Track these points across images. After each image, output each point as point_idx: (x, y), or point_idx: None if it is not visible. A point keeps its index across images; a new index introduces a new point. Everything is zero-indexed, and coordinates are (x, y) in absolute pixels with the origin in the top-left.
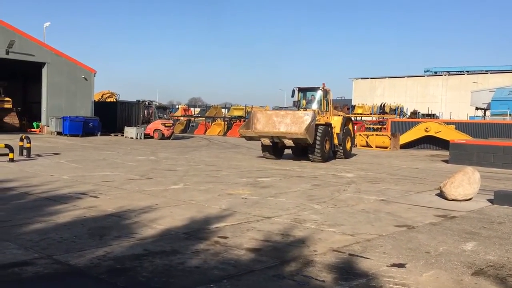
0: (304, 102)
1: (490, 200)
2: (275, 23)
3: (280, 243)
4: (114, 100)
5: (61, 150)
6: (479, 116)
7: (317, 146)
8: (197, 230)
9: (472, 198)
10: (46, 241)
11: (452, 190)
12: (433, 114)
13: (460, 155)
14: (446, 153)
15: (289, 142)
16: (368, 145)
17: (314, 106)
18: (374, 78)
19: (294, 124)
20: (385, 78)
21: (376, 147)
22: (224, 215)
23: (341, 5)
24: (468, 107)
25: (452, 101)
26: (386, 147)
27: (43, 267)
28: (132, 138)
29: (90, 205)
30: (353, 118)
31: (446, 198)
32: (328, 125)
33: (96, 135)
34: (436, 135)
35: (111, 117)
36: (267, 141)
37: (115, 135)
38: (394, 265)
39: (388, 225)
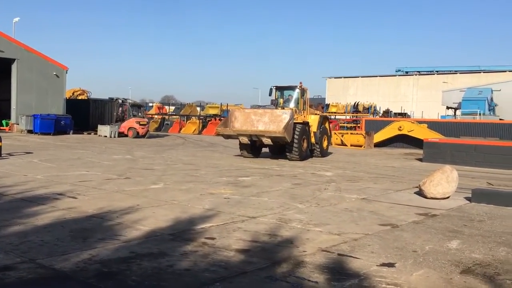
0: (281, 100)
1: (467, 198)
2: (249, 21)
3: (268, 244)
4: (86, 98)
5: (33, 149)
6: (450, 115)
7: (295, 145)
8: (183, 231)
9: (450, 196)
10: (26, 244)
11: (431, 189)
12: (405, 113)
13: (433, 154)
14: (419, 151)
15: (267, 141)
16: (343, 144)
17: (292, 104)
18: (347, 78)
19: (272, 123)
20: (358, 77)
21: (351, 145)
22: (209, 215)
23: (313, 5)
24: (439, 106)
25: (423, 101)
26: (360, 146)
27: (27, 272)
28: (106, 136)
29: (69, 206)
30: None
31: (425, 197)
32: (306, 124)
33: (68, 134)
34: (409, 134)
35: (83, 115)
36: (245, 140)
37: (88, 134)
38: (383, 264)
39: (372, 224)
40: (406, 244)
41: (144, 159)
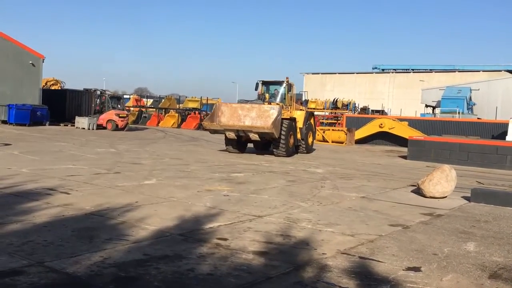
0: (267, 95)
1: (465, 198)
2: (225, 15)
3: (284, 245)
4: (59, 88)
5: (10, 140)
6: (429, 114)
7: (282, 141)
8: (192, 231)
9: (448, 195)
10: (29, 245)
11: (430, 188)
12: (382, 111)
13: (418, 152)
14: (400, 149)
15: (254, 136)
16: (324, 140)
17: (278, 100)
18: (324, 74)
19: (260, 118)
20: (335, 74)
21: (332, 142)
22: (213, 213)
23: (293, 2)
24: (415, 104)
25: (399, 98)
26: (342, 142)
27: (38, 277)
28: (84, 128)
29: (64, 203)
30: None
31: (424, 196)
32: (293, 120)
33: (45, 125)
34: (390, 131)
35: (59, 106)
36: (232, 135)
37: (64, 125)
38: (409, 268)
39: (382, 225)
40: (424, 246)
41: (128, 152)
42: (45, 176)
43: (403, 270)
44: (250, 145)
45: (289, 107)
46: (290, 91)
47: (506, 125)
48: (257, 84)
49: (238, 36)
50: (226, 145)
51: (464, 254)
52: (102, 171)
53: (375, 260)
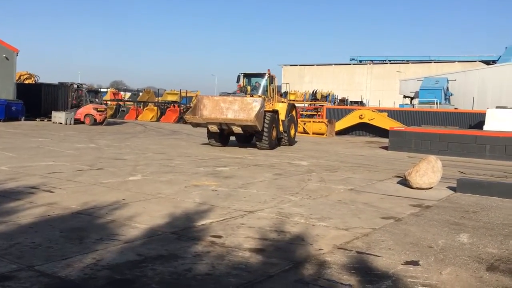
0: (249, 88)
1: (451, 188)
2: (201, 8)
3: (280, 242)
4: (33, 82)
5: None
6: (408, 104)
7: (264, 134)
8: (184, 229)
9: (434, 186)
10: (16, 247)
11: (417, 179)
12: (361, 102)
13: (399, 142)
14: (380, 139)
15: (237, 129)
16: (305, 132)
17: (260, 92)
18: (303, 65)
19: (242, 111)
20: (313, 65)
21: (313, 133)
22: (203, 210)
23: None
24: (392, 94)
25: (377, 89)
26: (322, 134)
27: (30, 282)
28: (61, 123)
29: (48, 202)
30: None
31: (410, 187)
32: (275, 112)
33: (20, 120)
34: (370, 122)
35: (35, 100)
36: (214, 128)
37: (41, 120)
38: (407, 263)
39: (374, 217)
40: (418, 239)
41: (109, 148)
42: (26, 174)
43: (402, 264)
44: (233, 138)
45: (271, 100)
46: (272, 83)
47: (483, 115)
48: (238, 77)
49: (215, 28)
50: (208, 139)
51: (459, 246)
52: (85, 168)
53: (373, 255)
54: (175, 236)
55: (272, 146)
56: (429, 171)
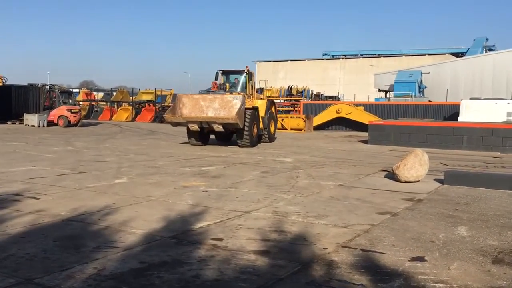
0: (227, 85)
1: (437, 180)
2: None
3: (282, 242)
4: (1, 84)
5: None
6: (383, 98)
7: (245, 131)
8: (183, 232)
9: (421, 179)
10: (11, 259)
11: (405, 172)
12: (336, 96)
13: (378, 136)
14: (358, 133)
15: (218, 128)
16: (283, 128)
17: (239, 89)
18: (276, 61)
19: (223, 109)
20: (287, 61)
21: (291, 129)
22: (198, 212)
23: None
24: (366, 88)
25: (350, 83)
26: (301, 130)
27: None
28: (34, 126)
29: (36, 209)
30: None
31: (399, 180)
32: (255, 109)
33: None
34: (347, 116)
35: (4, 103)
36: (195, 127)
37: (12, 123)
38: (414, 259)
39: (370, 213)
40: (419, 234)
41: (88, 150)
42: (6, 180)
43: (409, 261)
44: (212, 136)
45: (251, 96)
46: (251, 80)
47: (456, 106)
48: (217, 74)
49: (184, 25)
50: (188, 138)
51: (459, 240)
52: (66, 172)
53: (378, 252)
54: (174, 240)
55: (253, 144)
56: (416, 164)
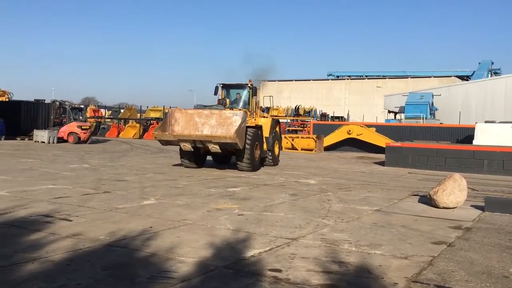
0: (228, 100)
1: (475, 207)
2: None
3: (346, 275)
4: (7, 99)
5: None
6: (393, 119)
7: (246, 153)
8: (236, 262)
9: (460, 205)
10: None
11: (444, 198)
12: (342, 117)
13: (395, 158)
14: (370, 155)
15: (214, 148)
16: (293, 148)
17: (241, 105)
18: (281, 81)
19: (221, 126)
20: (292, 81)
21: (302, 149)
22: (242, 238)
23: (248, 11)
24: (371, 109)
25: (355, 104)
26: (311, 150)
27: None
28: (44, 142)
29: (72, 232)
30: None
31: (437, 206)
32: (259, 128)
33: (0, 140)
34: (358, 137)
35: (14, 118)
36: (187, 146)
37: (21, 139)
38: None
39: (424, 243)
40: (487, 268)
41: (105, 168)
42: (31, 199)
43: None
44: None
45: (254, 114)
46: (255, 95)
47: (470, 129)
48: (216, 88)
49: (191, 43)
50: (181, 158)
51: None
52: (90, 191)
53: None
54: (231, 271)
55: (254, 168)
56: (456, 189)
